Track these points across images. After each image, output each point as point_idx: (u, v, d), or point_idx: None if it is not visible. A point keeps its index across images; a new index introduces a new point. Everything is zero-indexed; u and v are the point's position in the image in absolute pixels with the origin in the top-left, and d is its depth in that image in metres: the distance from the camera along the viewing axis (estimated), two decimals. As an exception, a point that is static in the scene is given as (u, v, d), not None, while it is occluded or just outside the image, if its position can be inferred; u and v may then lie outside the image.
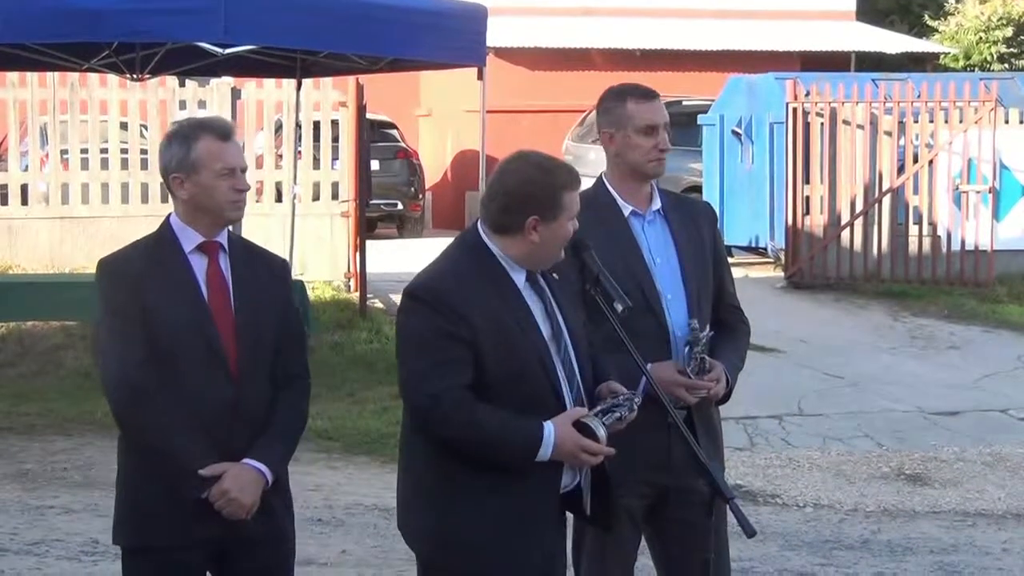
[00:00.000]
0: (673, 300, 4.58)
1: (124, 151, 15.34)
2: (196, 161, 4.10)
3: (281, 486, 4.27)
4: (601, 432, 3.91)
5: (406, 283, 4.04)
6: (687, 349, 4.51)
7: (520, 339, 3.94)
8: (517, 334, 3.93)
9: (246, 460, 4.11)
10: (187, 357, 4.07)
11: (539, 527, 4.00)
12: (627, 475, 4.23)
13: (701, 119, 18.67)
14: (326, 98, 15.67)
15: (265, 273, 4.28)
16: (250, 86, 15.45)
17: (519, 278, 4.02)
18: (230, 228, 4.30)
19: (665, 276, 4.59)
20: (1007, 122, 16.16)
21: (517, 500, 3.94)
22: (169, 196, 4.23)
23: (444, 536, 3.99)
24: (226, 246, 4.22)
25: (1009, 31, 27.96)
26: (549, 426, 3.88)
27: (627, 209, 4.62)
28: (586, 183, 4.32)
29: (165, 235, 4.18)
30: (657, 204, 4.67)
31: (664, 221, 4.67)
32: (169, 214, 4.24)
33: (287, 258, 13.38)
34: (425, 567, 4.09)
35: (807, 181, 16.07)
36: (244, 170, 4.21)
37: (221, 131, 4.17)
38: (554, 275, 4.10)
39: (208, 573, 4.29)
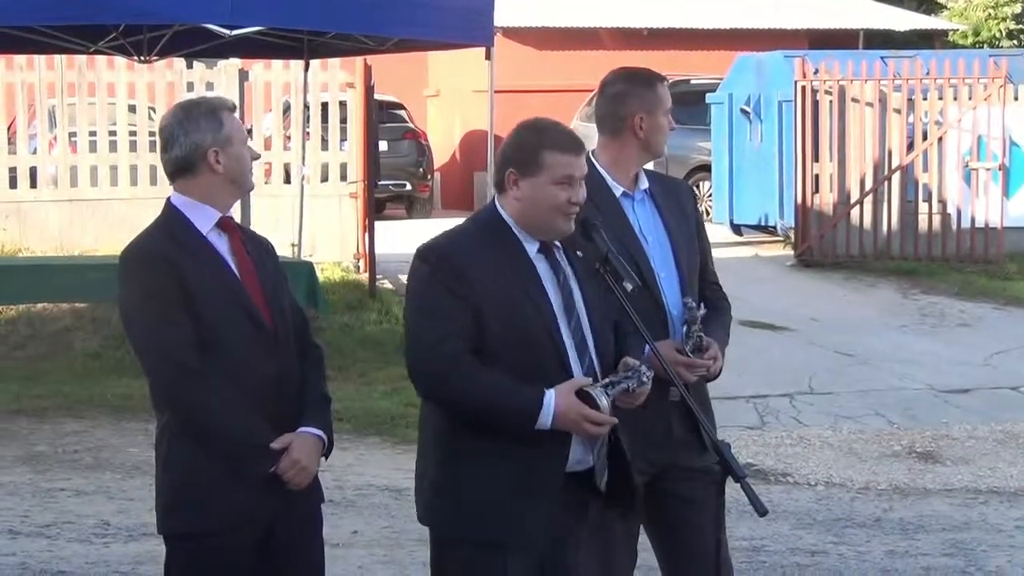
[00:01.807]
0: (666, 279, 4.60)
1: (132, 133, 15.35)
2: (229, 134, 4.14)
3: None
4: (603, 402, 3.90)
5: (416, 264, 4.07)
6: (685, 328, 4.52)
7: (526, 305, 3.95)
8: (523, 300, 3.96)
9: (304, 428, 4.11)
10: (234, 335, 4.06)
11: (543, 500, 3.97)
12: (633, 453, 4.22)
13: (709, 98, 18.62)
14: (334, 79, 15.66)
15: (262, 250, 4.30)
16: (257, 67, 15.44)
17: (531, 247, 4.05)
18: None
19: (657, 255, 4.60)
20: (1016, 99, 16.10)
21: (521, 470, 3.93)
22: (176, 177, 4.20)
23: (450, 508, 4.00)
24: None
25: (1018, 7, 27.89)
26: (550, 393, 3.89)
27: (618, 190, 4.64)
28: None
29: (176, 218, 4.14)
30: (644, 184, 4.70)
31: (651, 201, 4.70)
32: (169, 198, 4.20)
33: (296, 239, 13.43)
34: (438, 543, 4.10)
35: (816, 159, 16.04)
36: None
37: (231, 105, 4.28)
38: (578, 252, 4.12)
39: None
